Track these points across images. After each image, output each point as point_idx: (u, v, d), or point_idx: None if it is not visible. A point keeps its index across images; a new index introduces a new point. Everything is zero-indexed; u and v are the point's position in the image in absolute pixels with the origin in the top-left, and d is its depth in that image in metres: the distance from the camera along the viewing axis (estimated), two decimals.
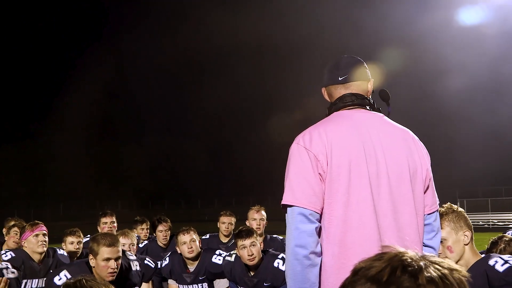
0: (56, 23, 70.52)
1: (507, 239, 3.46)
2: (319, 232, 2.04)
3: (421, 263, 0.84)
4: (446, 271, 0.84)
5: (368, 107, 2.25)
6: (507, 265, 2.45)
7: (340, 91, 2.24)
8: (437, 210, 2.27)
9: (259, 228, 5.08)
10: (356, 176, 2.03)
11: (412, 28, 48.01)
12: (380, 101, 2.35)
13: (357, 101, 2.21)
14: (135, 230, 6.10)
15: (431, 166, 2.24)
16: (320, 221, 2.05)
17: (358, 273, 0.88)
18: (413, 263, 0.84)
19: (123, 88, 69.70)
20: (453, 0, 43.19)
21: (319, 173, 2.03)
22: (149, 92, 71.73)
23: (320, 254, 2.02)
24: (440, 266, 0.85)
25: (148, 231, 6.15)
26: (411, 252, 0.88)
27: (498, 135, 46.67)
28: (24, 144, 59.61)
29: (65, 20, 71.64)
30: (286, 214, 2.05)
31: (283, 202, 2.05)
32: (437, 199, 2.28)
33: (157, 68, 72.17)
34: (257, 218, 5.21)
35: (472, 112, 48.08)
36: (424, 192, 2.20)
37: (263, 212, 5.30)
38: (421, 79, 51.68)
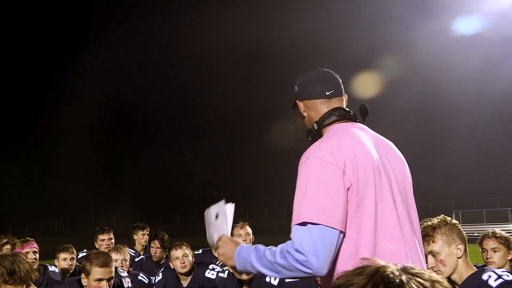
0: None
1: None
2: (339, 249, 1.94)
3: (403, 278, 0.84)
4: (427, 284, 0.84)
5: (357, 120, 2.28)
6: (500, 280, 2.43)
7: (326, 105, 2.24)
8: None
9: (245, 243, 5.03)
10: (379, 188, 2.03)
11: (408, 36, 48.19)
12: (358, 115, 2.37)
13: (348, 115, 2.23)
14: (135, 236, 6.06)
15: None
16: (342, 239, 1.95)
17: None
18: (395, 278, 0.84)
19: (118, 104, 69.62)
20: (452, 8, 43.42)
21: (347, 187, 1.96)
22: (145, 107, 71.69)
23: None
24: (421, 279, 0.85)
25: (149, 237, 6.07)
26: (392, 265, 0.87)
27: (493, 146, 46.85)
28: (19, 159, 59.34)
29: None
30: (300, 232, 1.89)
31: (305, 219, 1.89)
32: None
33: (153, 84, 72.42)
34: (242, 234, 5.08)
35: (466, 123, 48.28)
36: None
37: (248, 228, 5.19)
38: (418, 90, 51.85)
